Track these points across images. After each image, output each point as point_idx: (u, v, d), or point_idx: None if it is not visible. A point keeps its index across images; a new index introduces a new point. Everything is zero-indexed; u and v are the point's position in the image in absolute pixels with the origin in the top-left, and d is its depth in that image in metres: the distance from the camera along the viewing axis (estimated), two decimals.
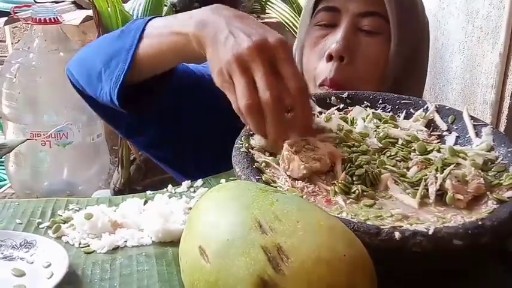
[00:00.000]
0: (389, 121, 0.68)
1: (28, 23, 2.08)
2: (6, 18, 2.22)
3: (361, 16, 0.86)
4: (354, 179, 0.57)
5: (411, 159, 0.60)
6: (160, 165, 1.00)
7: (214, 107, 0.80)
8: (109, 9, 2.18)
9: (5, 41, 2.98)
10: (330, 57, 0.85)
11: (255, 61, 0.60)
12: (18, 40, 2.71)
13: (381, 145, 0.63)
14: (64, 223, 0.65)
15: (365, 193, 0.56)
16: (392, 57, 0.86)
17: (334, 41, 0.85)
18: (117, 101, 0.78)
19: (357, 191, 0.55)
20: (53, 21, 1.99)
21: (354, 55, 0.85)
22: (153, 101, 0.85)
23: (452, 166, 0.57)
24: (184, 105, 0.89)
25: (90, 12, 2.31)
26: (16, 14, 2.13)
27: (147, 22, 0.80)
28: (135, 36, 0.78)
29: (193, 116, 0.91)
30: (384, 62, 0.86)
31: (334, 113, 0.70)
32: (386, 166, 0.59)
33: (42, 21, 1.98)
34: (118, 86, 0.77)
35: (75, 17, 2.34)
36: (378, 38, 0.86)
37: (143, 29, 0.78)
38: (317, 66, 0.87)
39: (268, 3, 2.40)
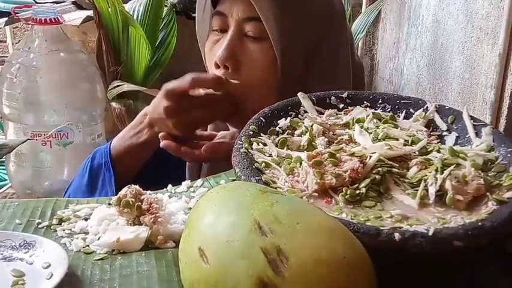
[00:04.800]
0: (389, 121, 0.68)
1: (29, 23, 2.08)
2: (6, 18, 2.23)
3: (245, 21, 0.85)
4: (362, 185, 0.56)
5: (411, 159, 0.60)
6: None
7: None
8: (109, 9, 2.18)
9: (5, 41, 2.99)
10: (217, 65, 0.86)
11: None
12: (19, 40, 2.71)
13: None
14: (64, 223, 0.65)
15: (369, 197, 0.55)
16: (279, 63, 0.84)
17: (220, 49, 0.85)
18: None
19: (362, 194, 0.55)
20: (53, 21, 2.00)
21: (238, 63, 0.85)
22: None
23: (452, 167, 0.57)
24: None
25: (90, 13, 2.32)
26: (17, 14, 2.13)
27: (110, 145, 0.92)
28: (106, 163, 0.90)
29: None
30: (273, 68, 0.85)
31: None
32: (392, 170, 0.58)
33: (43, 22, 1.98)
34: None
35: (75, 17, 2.34)
36: (263, 43, 0.85)
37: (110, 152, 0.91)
38: (213, 72, 0.88)
39: None
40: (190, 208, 0.67)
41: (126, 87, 2.20)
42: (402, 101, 0.72)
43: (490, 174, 0.58)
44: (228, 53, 0.84)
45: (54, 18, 2.00)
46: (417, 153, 0.61)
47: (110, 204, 0.67)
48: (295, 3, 0.86)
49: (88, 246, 0.61)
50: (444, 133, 0.67)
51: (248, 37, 0.86)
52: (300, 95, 0.72)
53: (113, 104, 2.25)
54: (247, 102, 0.82)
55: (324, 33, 0.89)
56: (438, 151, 0.61)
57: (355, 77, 0.96)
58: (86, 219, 0.66)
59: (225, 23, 0.87)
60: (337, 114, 0.71)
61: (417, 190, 0.55)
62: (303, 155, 0.59)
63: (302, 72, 0.87)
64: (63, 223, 0.65)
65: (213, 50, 0.89)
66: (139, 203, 0.63)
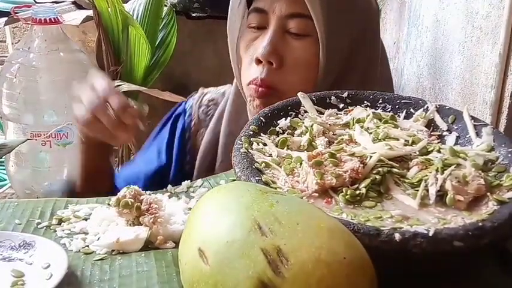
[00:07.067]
0: (389, 121, 0.68)
1: (28, 23, 2.08)
2: (6, 18, 2.23)
3: (288, 18, 0.85)
4: (362, 185, 0.56)
5: (411, 160, 0.60)
6: None
7: None
8: (109, 9, 2.18)
9: (5, 41, 2.99)
10: (258, 61, 0.85)
11: None
12: (19, 40, 2.71)
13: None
14: (63, 223, 0.65)
15: (369, 197, 0.55)
16: (323, 61, 0.85)
17: (262, 44, 0.85)
18: None
19: (362, 194, 0.55)
20: (53, 21, 2.00)
21: (282, 59, 0.85)
22: None
23: (452, 167, 0.57)
24: None
25: (90, 13, 2.31)
26: (16, 14, 2.13)
27: None
28: None
29: None
30: (315, 65, 0.85)
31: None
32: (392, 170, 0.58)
33: (43, 22, 1.98)
34: None
35: (75, 17, 2.34)
36: (307, 40, 0.85)
37: None
38: (250, 69, 0.88)
39: None
40: (190, 208, 0.67)
41: (126, 87, 2.20)
42: (402, 101, 0.72)
43: (490, 175, 0.58)
44: (271, 49, 0.83)
45: (54, 18, 2.00)
46: (417, 153, 0.61)
47: (109, 204, 0.67)
48: (343, 1, 0.86)
49: (88, 246, 0.61)
50: (444, 133, 0.67)
51: (290, 34, 0.85)
52: (300, 94, 0.72)
53: None
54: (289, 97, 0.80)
55: (365, 31, 0.90)
56: (438, 151, 0.61)
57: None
58: (86, 220, 0.66)
59: (263, 20, 0.86)
60: (337, 114, 0.71)
61: (417, 190, 0.55)
62: (303, 155, 0.59)
63: (341, 69, 0.87)
64: (62, 223, 0.65)
65: (252, 47, 0.88)
66: (139, 204, 0.63)
